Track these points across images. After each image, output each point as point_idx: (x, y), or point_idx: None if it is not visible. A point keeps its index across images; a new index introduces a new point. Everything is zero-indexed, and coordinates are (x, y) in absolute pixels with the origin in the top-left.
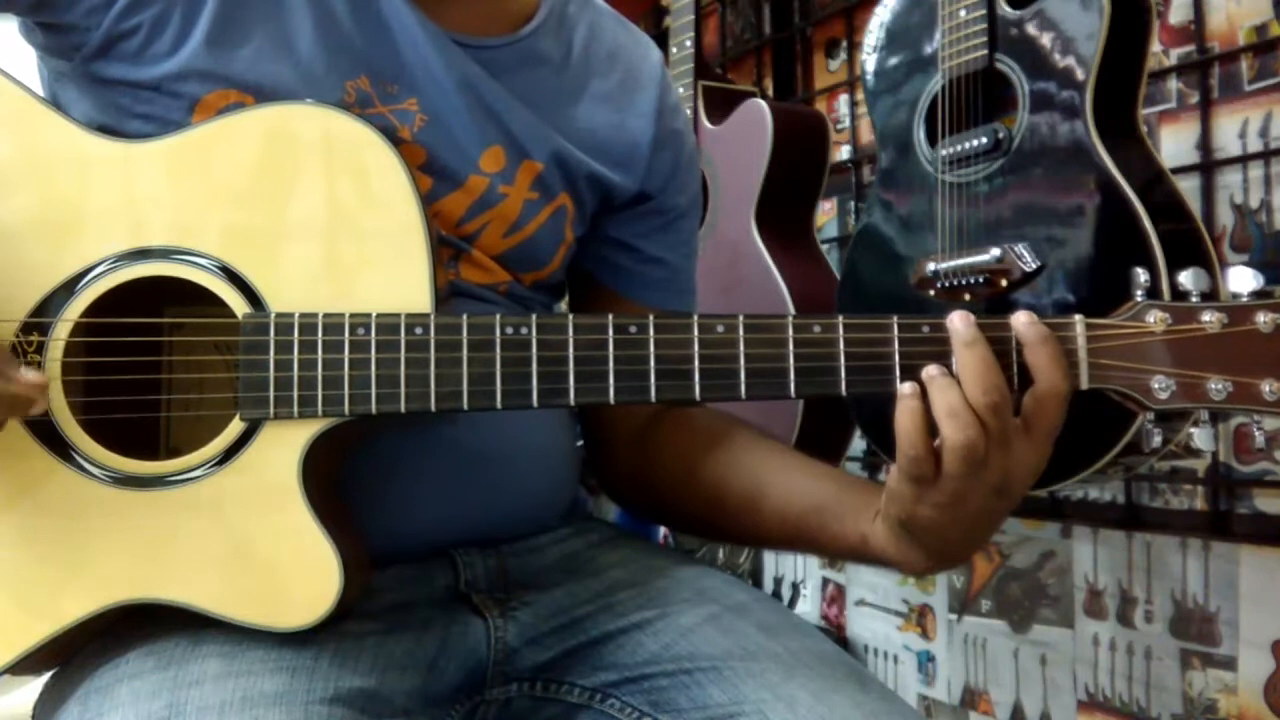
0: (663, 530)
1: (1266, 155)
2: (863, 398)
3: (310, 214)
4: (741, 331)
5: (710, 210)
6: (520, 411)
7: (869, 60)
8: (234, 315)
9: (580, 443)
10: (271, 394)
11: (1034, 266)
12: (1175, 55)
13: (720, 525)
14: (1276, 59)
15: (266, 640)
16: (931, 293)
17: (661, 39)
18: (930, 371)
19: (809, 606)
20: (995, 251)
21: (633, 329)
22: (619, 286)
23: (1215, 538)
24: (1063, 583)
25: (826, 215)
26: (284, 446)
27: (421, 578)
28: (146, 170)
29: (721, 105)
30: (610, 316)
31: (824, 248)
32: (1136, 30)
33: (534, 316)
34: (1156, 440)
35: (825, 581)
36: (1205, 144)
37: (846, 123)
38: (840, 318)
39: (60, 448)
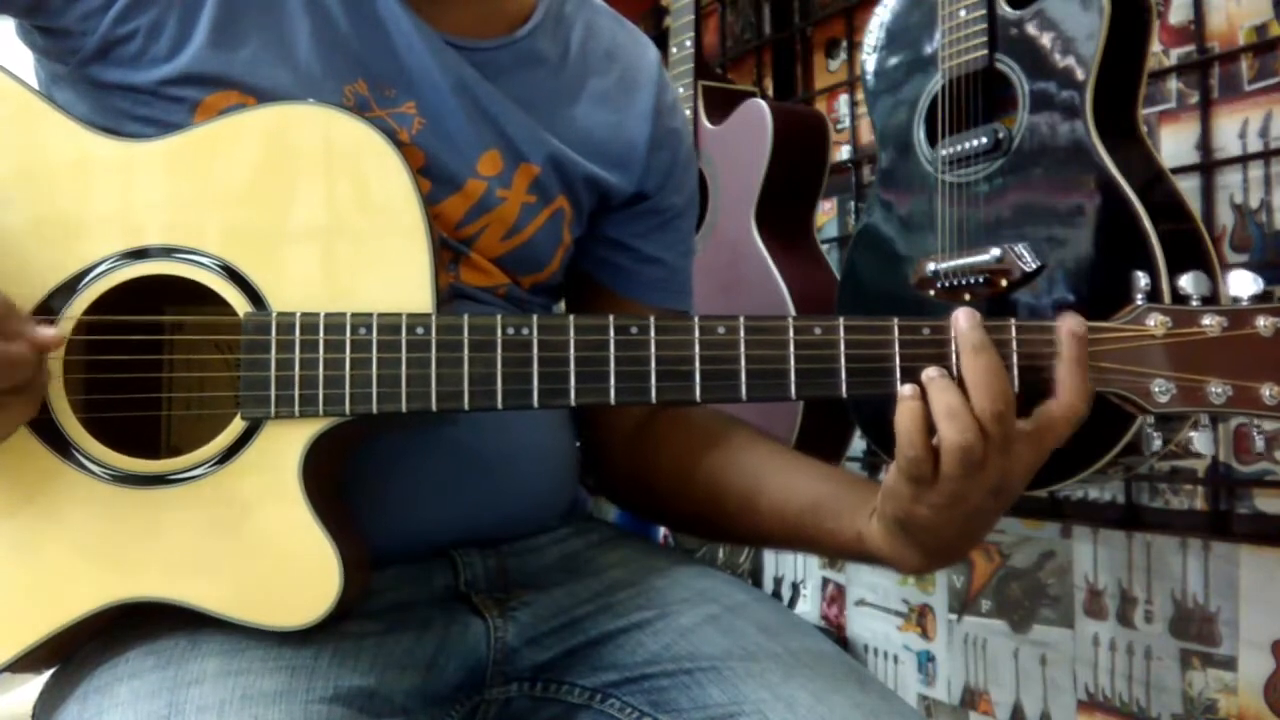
0: (663, 530)
1: (1266, 155)
2: (862, 398)
3: (312, 214)
4: (742, 333)
5: (710, 210)
6: (520, 412)
7: (869, 60)
8: (235, 314)
9: (579, 443)
10: (273, 393)
11: (1034, 266)
12: (1175, 55)
13: (717, 524)
14: (1276, 59)
15: (266, 639)
16: (931, 293)
17: (661, 39)
18: (930, 373)
19: (809, 606)
20: (995, 251)
21: (634, 330)
22: (616, 286)
23: (1215, 538)
24: (1063, 583)
25: (826, 215)
26: (285, 446)
27: (421, 578)
28: (148, 169)
29: (721, 105)
30: (611, 317)
31: (824, 248)
32: (1136, 30)
33: (535, 317)
34: (1156, 444)
35: (825, 581)
36: (1205, 144)
37: (846, 123)
38: (841, 319)
39: (61, 446)
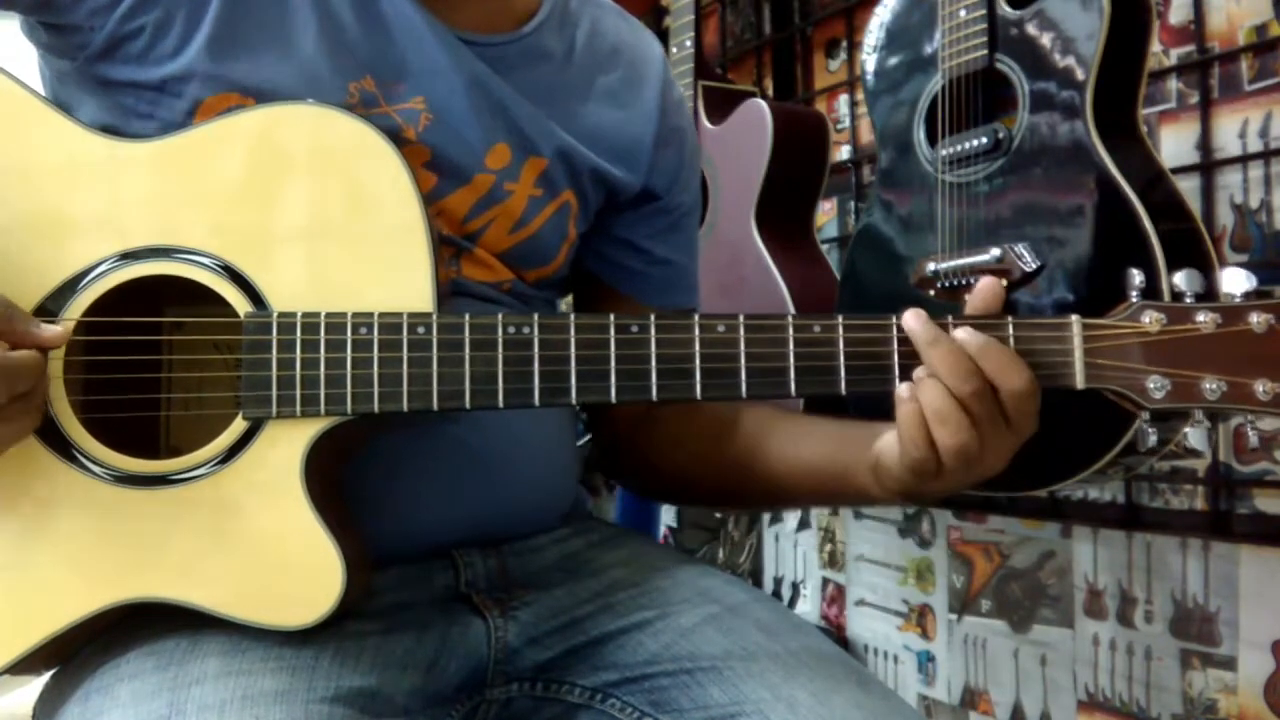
0: (663, 530)
1: (1266, 155)
2: (861, 395)
3: (311, 213)
4: (742, 331)
5: (710, 210)
6: (521, 411)
7: (869, 60)
8: (235, 314)
9: (580, 442)
10: (274, 393)
11: (1034, 266)
12: (1175, 55)
13: (731, 495)
14: (1276, 59)
15: (267, 639)
16: (932, 292)
17: (661, 39)
18: (918, 374)
19: (809, 606)
20: (995, 251)
21: (634, 328)
22: (629, 289)
23: (1215, 538)
24: (1063, 583)
25: (826, 215)
26: (286, 445)
27: (422, 577)
28: (149, 170)
29: (721, 105)
30: (612, 316)
31: (824, 248)
32: (1136, 30)
33: (536, 316)
34: (1152, 440)
35: (825, 581)
36: (1205, 144)
37: (846, 123)
38: (840, 317)
39: (62, 446)
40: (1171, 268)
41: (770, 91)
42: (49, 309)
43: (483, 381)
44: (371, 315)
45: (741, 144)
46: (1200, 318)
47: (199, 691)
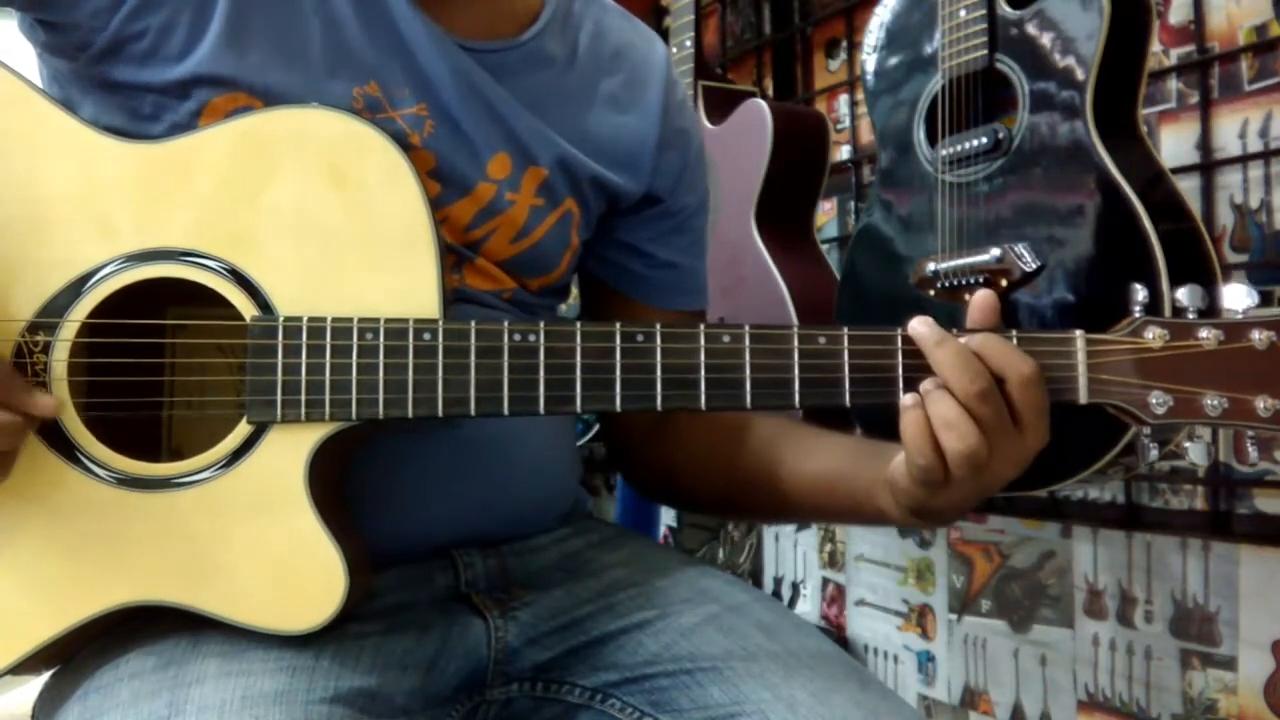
0: (663, 530)
1: (1266, 155)
2: (866, 407)
3: (319, 218)
4: (748, 341)
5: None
6: None
7: (869, 60)
8: (239, 318)
9: (580, 442)
10: (279, 397)
11: (1034, 266)
12: (1175, 55)
13: (741, 506)
14: (1276, 59)
15: (266, 640)
16: (931, 293)
17: (661, 39)
18: (925, 386)
19: (809, 606)
20: (995, 251)
21: (640, 338)
22: (633, 292)
23: (1215, 538)
24: (1063, 583)
25: (826, 215)
26: (290, 450)
27: (422, 578)
28: (156, 172)
29: (721, 105)
30: (618, 325)
31: (824, 248)
32: (1136, 30)
33: (542, 323)
34: (1153, 454)
35: (825, 581)
36: (1205, 144)
37: (846, 123)
38: (845, 329)
39: (66, 449)
40: (1172, 268)
41: (770, 91)
42: (53, 310)
43: (488, 388)
44: (377, 321)
45: (741, 144)
46: (1203, 334)
47: (199, 691)
